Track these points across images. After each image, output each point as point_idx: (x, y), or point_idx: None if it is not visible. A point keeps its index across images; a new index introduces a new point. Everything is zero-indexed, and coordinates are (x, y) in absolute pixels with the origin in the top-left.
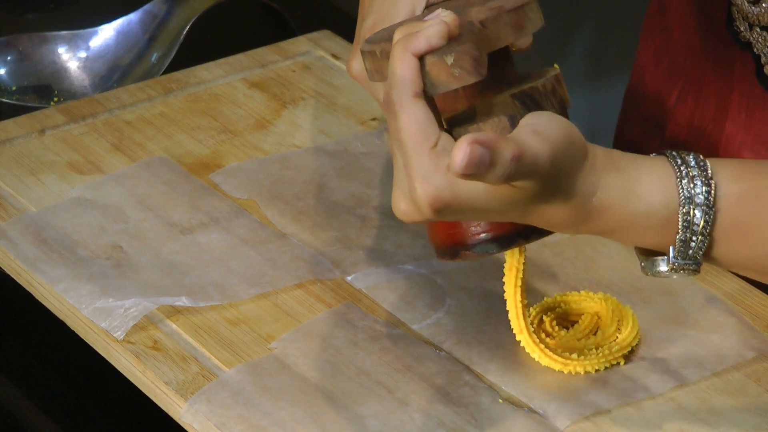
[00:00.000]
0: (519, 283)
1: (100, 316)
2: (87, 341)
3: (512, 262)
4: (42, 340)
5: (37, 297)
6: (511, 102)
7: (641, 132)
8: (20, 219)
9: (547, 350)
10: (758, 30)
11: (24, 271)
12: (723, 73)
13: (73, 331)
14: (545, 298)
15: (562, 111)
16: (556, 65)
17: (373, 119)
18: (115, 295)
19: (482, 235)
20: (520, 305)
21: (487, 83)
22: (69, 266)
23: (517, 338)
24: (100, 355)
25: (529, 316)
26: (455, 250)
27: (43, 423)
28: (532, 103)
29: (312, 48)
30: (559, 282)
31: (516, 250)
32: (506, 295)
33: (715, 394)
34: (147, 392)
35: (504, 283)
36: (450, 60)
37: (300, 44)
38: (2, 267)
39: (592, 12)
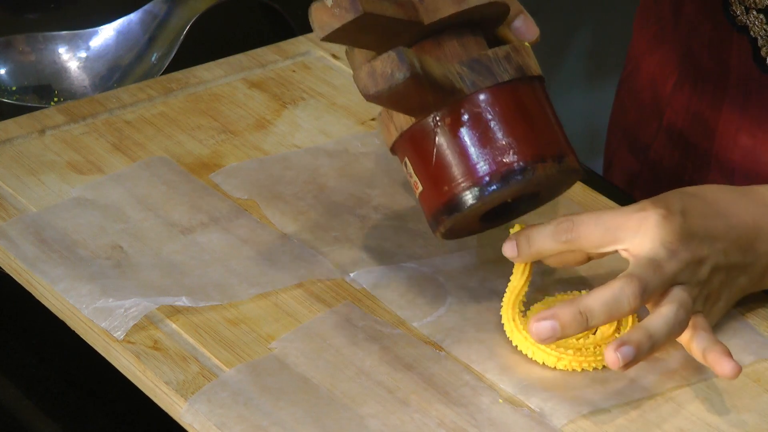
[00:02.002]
0: (517, 302)
1: (100, 316)
2: (87, 341)
3: (516, 282)
4: (42, 340)
5: (37, 297)
6: (458, 68)
7: (637, 119)
8: (20, 219)
9: (539, 344)
10: (755, 13)
11: (24, 271)
12: (719, 59)
13: (73, 331)
14: (545, 298)
15: (521, 76)
16: (526, 43)
17: (373, 119)
18: (115, 295)
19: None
20: (513, 314)
21: (444, 57)
22: (69, 266)
23: (509, 337)
24: (100, 355)
25: (522, 315)
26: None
27: (43, 423)
28: (481, 67)
29: (312, 48)
30: (559, 282)
31: (521, 271)
32: (503, 311)
33: (715, 394)
34: (147, 392)
35: (504, 296)
36: (329, 2)
37: (300, 44)
38: (2, 267)
39: (591, 12)
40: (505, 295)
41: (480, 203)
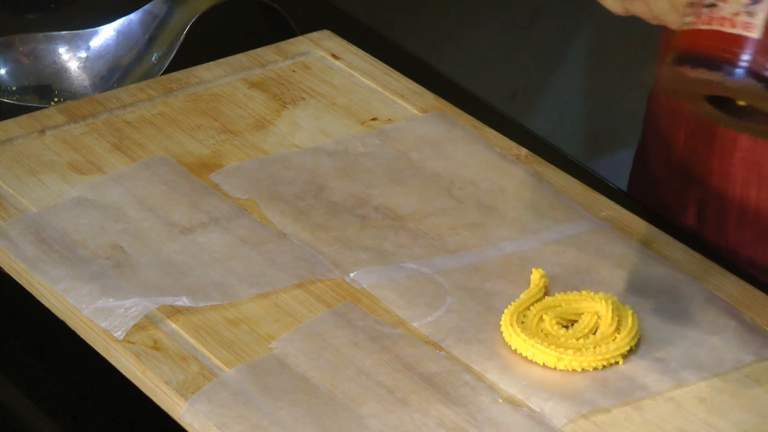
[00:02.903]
0: (518, 312)
1: (100, 316)
2: (87, 341)
3: (526, 297)
4: (42, 340)
5: (37, 297)
6: None
7: (655, 151)
8: (20, 219)
9: (538, 345)
10: None
11: (24, 271)
12: None
13: (73, 331)
14: (545, 298)
15: None
16: None
17: (373, 119)
18: (115, 295)
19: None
20: (512, 320)
21: None
22: (69, 266)
23: (507, 342)
24: (100, 355)
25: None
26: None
27: (43, 423)
28: None
29: (312, 48)
30: (560, 282)
31: (534, 291)
32: (503, 317)
33: (715, 394)
34: (147, 392)
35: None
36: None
37: (300, 44)
38: (2, 267)
39: (591, 12)
40: (510, 305)
41: (737, 83)
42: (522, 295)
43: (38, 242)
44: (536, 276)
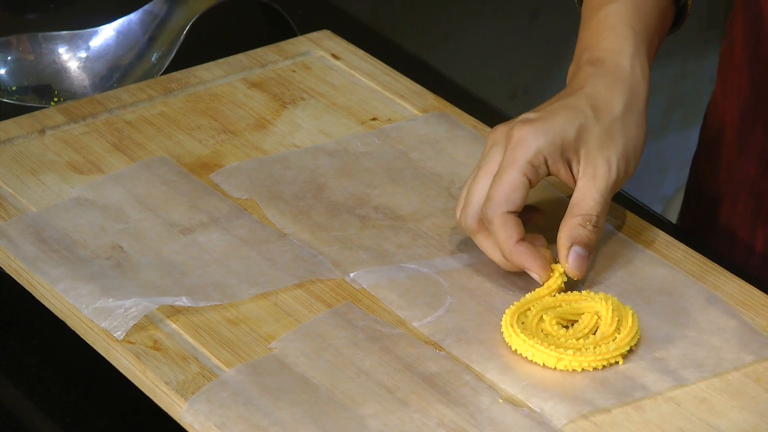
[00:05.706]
0: (519, 312)
1: (100, 316)
2: (87, 341)
3: (531, 297)
4: (42, 340)
5: (37, 297)
6: None
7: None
8: (20, 219)
9: (538, 345)
10: None
11: (24, 271)
12: None
13: (73, 331)
14: (546, 298)
15: None
16: None
17: (373, 119)
18: (115, 295)
19: None
20: (512, 321)
21: None
22: (69, 266)
23: (508, 342)
24: (100, 355)
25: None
26: None
27: (43, 423)
28: None
29: (312, 48)
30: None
31: (542, 290)
32: (504, 316)
33: (715, 393)
34: (147, 392)
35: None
36: None
37: (300, 44)
38: (2, 267)
39: None
40: (513, 304)
41: None
42: (527, 295)
43: (38, 242)
44: (555, 274)
